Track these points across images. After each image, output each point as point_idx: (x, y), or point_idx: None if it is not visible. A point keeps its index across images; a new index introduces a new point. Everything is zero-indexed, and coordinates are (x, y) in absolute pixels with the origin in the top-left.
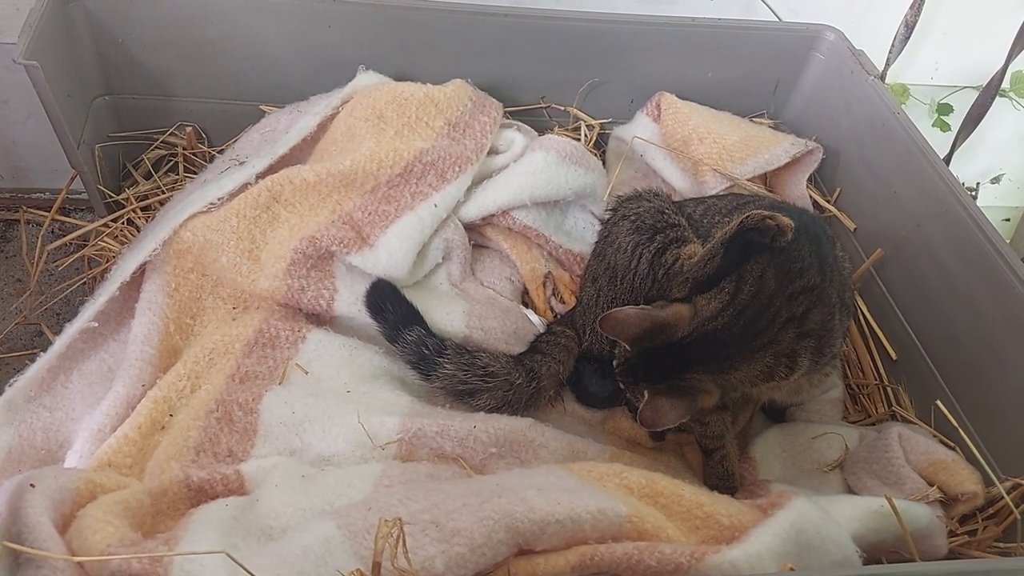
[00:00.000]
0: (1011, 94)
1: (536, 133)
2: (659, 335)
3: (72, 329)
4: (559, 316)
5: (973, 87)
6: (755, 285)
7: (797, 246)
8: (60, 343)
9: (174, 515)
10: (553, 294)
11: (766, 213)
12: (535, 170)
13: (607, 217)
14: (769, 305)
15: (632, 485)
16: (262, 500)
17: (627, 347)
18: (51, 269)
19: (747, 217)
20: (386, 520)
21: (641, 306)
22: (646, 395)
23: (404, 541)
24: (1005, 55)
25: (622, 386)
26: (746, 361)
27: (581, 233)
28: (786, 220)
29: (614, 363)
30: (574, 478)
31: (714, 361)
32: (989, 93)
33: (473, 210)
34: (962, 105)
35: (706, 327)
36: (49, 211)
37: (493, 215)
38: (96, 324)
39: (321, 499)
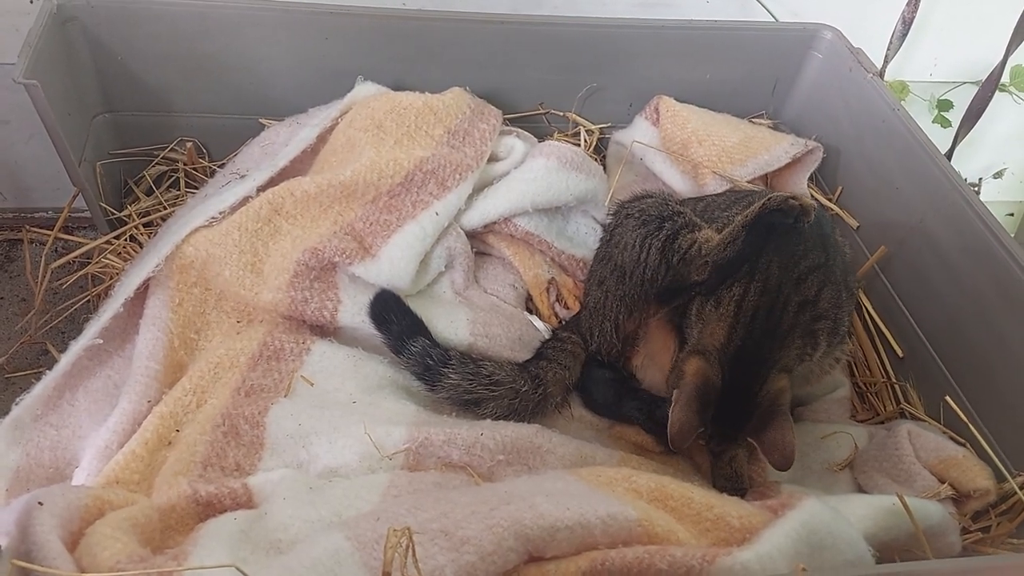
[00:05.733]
0: (1011, 88)
1: (536, 139)
2: (710, 400)
3: (77, 347)
4: (564, 322)
5: (972, 82)
6: (760, 281)
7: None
8: (65, 361)
9: (183, 530)
10: (557, 300)
11: (788, 195)
12: (536, 177)
13: (609, 221)
14: (778, 295)
15: (641, 489)
16: (270, 513)
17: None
18: (55, 287)
19: (769, 199)
20: (395, 530)
21: (672, 402)
22: (757, 442)
23: (413, 551)
24: (1004, 49)
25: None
26: (782, 349)
27: (583, 239)
28: (809, 201)
29: (706, 442)
30: (583, 483)
31: (764, 366)
32: (989, 88)
33: (475, 218)
34: (962, 101)
35: (734, 355)
36: (52, 230)
37: (495, 222)
38: (101, 341)
39: (329, 511)
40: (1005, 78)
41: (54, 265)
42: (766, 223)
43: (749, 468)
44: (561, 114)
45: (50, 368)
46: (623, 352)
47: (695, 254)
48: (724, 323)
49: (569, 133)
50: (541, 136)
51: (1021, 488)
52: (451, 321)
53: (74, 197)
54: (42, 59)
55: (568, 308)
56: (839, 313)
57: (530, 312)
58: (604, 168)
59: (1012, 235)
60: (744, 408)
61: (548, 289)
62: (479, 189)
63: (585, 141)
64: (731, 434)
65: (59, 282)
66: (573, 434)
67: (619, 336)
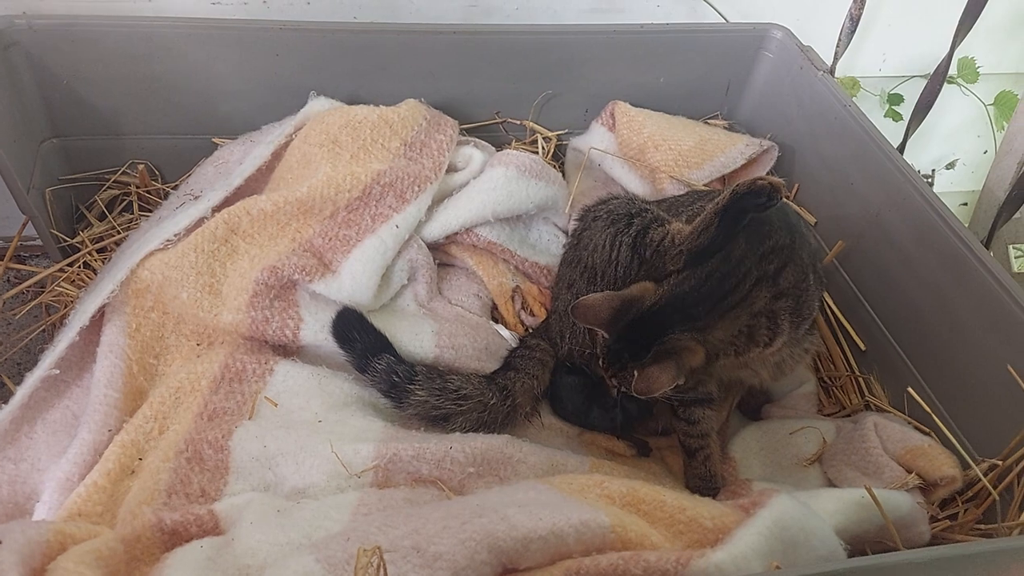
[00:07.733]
0: (959, 80)
1: (494, 149)
2: (630, 311)
3: (33, 378)
4: (531, 329)
5: (921, 76)
6: (724, 252)
7: (765, 214)
8: (22, 393)
9: (149, 561)
10: (522, 307)
11: (756, 177)
12: (496, 186)
13: (575, 226)
14: (738, 267)
15: (613, 494)
16: (238, 539)
17: (604, 335)
18: (8, 318)
19: (739, 184)
20: (365, 549)
21: (605, 292)
22: (635, 374)
23: (385, 569)
24: (949, 42)
25: (613, 380)
26: (721, 320)
27: (546, 245)
28: (778, 179)
29: (600, 360)
30: (555, 492)
31: (688, 320)
32: (937, 80)
33: (436, 229)
34: (912, 94)
35: (675, 291)
36: (3, 260)
37: (456, 233)
38: (58, 371)
39: (298, 533)
40: (952, 70)
41: (6, 296)
42: (739, 208)
43: (722, 468)
44: (518, 122)
45: (6, 401)
46: (592, 355)
47: (668, 245)
48: (687, 271)
49: (527, 141)
50: (499, 145)
51: (986, 474)
52: (416, 334)
53: (24, 225)
54: None
55: (534, 315)
56: (803, 294)
57: (496, 321)
58: (563, 175)
59: (966, 225)
60: (646, 342)
61: (513, 297)
62: (439, 200)
63: (543, 148)
64: (627, 357)
65: (12, 313)
66: (544, 442)
67: (592, 337)
